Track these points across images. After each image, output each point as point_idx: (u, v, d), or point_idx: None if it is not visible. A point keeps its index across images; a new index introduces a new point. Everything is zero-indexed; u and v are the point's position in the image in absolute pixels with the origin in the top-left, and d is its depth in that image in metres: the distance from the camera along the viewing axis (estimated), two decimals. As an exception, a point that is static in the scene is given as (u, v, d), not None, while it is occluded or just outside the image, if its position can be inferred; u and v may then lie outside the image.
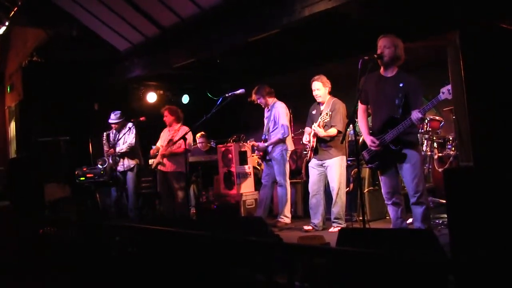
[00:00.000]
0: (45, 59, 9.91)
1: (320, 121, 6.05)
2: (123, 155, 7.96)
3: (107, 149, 8.09)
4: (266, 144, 6.84)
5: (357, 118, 5.13)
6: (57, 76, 9.88)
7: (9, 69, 11.96)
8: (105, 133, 8.21)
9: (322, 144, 6.17)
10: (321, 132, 6.05)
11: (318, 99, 6.26)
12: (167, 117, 7.73)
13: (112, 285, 4.67)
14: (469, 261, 2.43)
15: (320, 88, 6.20)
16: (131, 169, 8.02)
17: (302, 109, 7.02)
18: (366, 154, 4.87)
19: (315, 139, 6.18)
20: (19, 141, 10.97)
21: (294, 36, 7.50)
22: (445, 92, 4.23)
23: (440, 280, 2.50)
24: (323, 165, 6.20)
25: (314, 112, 6.33)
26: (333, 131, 6.07)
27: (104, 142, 8.18)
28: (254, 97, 6.95)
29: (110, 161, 8.06)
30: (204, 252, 3.84)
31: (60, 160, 9.55)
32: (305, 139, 6.29)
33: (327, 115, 6.00)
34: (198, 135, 9.38)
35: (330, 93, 6.30)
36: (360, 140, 5.17)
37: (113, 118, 8.02)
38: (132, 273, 4.49)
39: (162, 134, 7.93)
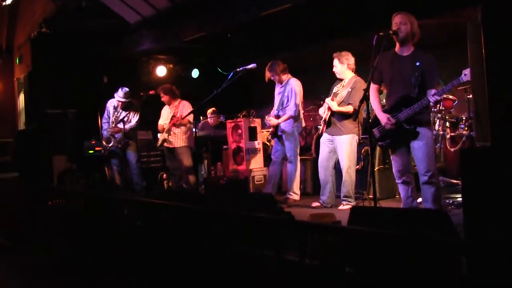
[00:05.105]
0: (54, 31, 9.82)
1: (338, 98, 6.06)
2: (126, 134, 7.91)
3: (110, 125, 8.01)
4: (278, 120, 6.77)
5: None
6: (66, 47, 9.80)
7: (17, 40, 11.90)
8: (110, 106, 8.12)
9: (336, 118, 6.13)
10: (334, 106, 6.04)
11: (337, 76, 6.25)
12: (163, 97, 7.87)
13: (120, 257, 4.69)
14: (482, 243, 2.39)
15: (336, 65, 6.19)
16: (130, 146, 7.98)
17: (313, 85, 6.98)
18: (377, 131, 4.82)
19: (329, 112, 6.15)
20: (28, 113, 10.97)
21: (306, 11, 7.40)
22: (468, 74, 4.13)
23: (453, 261, 2.47)
24: (333, 141, 6.16)
25: (335, 89, 6.29)
26: (348, 108, 6.02)
27: (106, 116, 8.10)
28: (267, 74, 6.85)
29: (116, 137, 7.98)
30: (212, 227, 3.83)
31: (68, 132, 9.54)
32: (321, 111, 6.32)
33: (344, 92, 6.03)
34: (210, 110, 9.34)
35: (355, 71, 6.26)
36: (371, 117, 5.11)
37: (121, 95, 7.89)
38: (140, 247, 4.49)
39: (162, 111, 8.01)
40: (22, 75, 11.28)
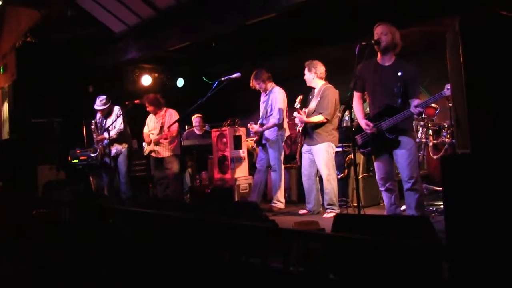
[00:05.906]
0: (39, 40, 9.79)
1: (309, 108, 6.19)
2: (112, 141, 7.75)
3: (96, 136, 7.94)
4: (262, 128, 6.81)
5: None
6: (51, 57, 9.78)
7: (2, 49, 11.83)
8: (93, 121, 8.04)
9: (309, 130, 6.24)
10: (302, 118, 6.17)
11: (307, 84, 6.36)
12: (148, 108, 7.85)
13: (109, 264, 4.67)
14: (464, 249, 2.42)
15: (305, 73, 6.32)
16: (121, 154, 7.91)
17: (297, 93, 6.98)
18: (359, 138, 4.86)
19: (303, 124, 6.26)
20: (12, 122, 10.90)
21: (291, 19, 7.45)
22: (450, 88, 4.20)
23: (435, 267, 2.51)
24: (311, 151, 6.23)
25: (310, 97, 6.37)
26: (317, 118, 6.09)
27: (93, 129, 8.03)
28: (253, 82, 6.89)
29: (100, 148, 7.92)
30: (197, 235, 3.83)
31: (54, 141, 9.49)
32: (297, 121, 6.41)
33: (314, 102, 6.18)
34: (195, 116, 9.30)
35: (326, 78, 6.31)
36: (355, 124, 5.16)
37: (99, 104, 7.80)
38: (126, 256, 4.48)
39: (148, 120, 7.97)
40: (7, 84, 11.21)
